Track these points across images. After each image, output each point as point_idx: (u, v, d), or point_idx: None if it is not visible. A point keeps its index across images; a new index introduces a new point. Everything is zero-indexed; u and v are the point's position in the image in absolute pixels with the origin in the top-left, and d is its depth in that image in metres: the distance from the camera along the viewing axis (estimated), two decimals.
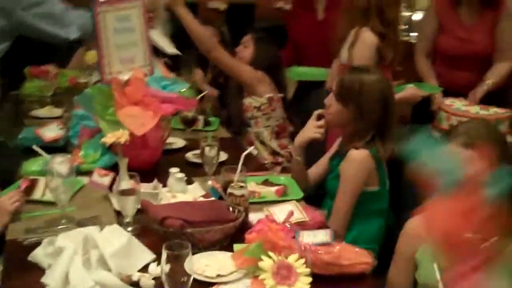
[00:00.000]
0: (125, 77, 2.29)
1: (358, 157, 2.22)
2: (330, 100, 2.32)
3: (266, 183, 2.29)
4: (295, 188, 2.26)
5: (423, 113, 3.04)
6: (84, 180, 2.26)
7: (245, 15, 8.74)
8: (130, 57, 2.34)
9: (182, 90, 2.44)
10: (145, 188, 2.06)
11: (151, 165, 2.41)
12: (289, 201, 2.04)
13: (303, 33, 3.47)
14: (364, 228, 2.27)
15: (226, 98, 3.36)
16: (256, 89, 3.03)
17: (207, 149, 2.27)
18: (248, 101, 3.10)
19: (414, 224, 1.75)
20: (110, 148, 2.35)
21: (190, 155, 2.60)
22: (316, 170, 2.52)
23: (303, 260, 1.49)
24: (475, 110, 2.84)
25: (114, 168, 2.27)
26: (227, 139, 2.69)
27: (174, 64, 3.26)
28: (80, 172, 2.28)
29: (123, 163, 2.09)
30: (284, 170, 3.06)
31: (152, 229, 1.83)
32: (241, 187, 1.93)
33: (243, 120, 3.12)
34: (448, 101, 2.95)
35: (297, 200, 2.13)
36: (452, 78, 3.15)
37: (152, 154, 2.40)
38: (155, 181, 2.14)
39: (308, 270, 1.48)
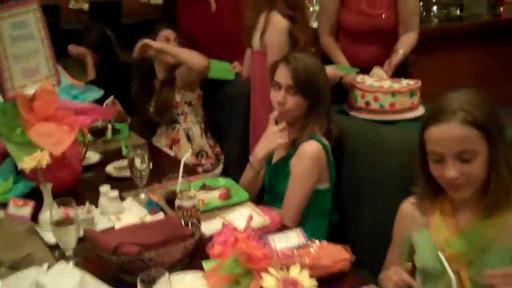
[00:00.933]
0: (30, 91, 2.02)
1: (312, 151, 2.10)
2: (283, 96, 2.14)
3: (205, 187, 2.13)
4: (237, 189, 2.13)
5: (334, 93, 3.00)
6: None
7: (110, 12, 8.41)
8: (33, 68, 2.07)
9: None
10: (76, 213, 1.82)
11: (71, 186, 2.16)
12: (242, 204, 1.90)
13: (199, 26, 3.33)
14: (311, 229, 2.13)
15: (136, 100, 3.13)
16: (195, 84, 2.95)
17: (137, 160, 2.06)
18: (179, 96, 2.95)
19: (408, 205, 1.68)
20: (22, 174, 2.08)
21: (112, 169, 2.37)
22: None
23: (307, 272, 1.36)
24: (388, 84, 2.84)
25: (30, 195, 2.02)
26: (144, 145, 2.45)
27: None
28: None
29: (47, 189, 1.86)
30: (206, 172, 2.93)
31: (98, 259, 1.62)
32: (190, 197, 1.77)
33: (170, 117, 2.95)
34: (359, 78, 2.93)
35: (243, 202, 2.01)
36: (357, 54, 3.13)
37: (71, 173, 2.16)
38: (87, 203, 1.91)
39: (314, 282, 1.35)
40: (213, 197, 2.03)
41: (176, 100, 2.99)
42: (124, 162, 2.40)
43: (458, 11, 5.95)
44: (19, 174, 2.12)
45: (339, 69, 2.85)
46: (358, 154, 2.26)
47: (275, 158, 2.25)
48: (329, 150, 2.14)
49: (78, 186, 2.20)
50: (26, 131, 2.00)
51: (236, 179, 2.96)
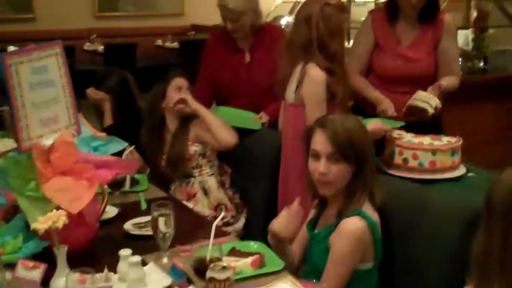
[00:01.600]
0: (48, 141, 1.85)
1: (355, 230, 1.86)
2: (326, 165, 1.91)
3: (234, 252, 1.92)
4: (272, 256, 1.91)
5: None
6: (6, 275, 1.77)
7: (125, 55, 8.37)
8: (52, 117, 1.90)
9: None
10: (93, 281, 1.62)
11: (86, 245, 1.96)
12: (283, 277, 1.69)
13: (228, 75, 3.17)
14: None
15: (148, 152, 2.96)
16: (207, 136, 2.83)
17: (161, 222, 1.86)
18: (193, 149, 2.78)
19: None
20: (35, 232, 1.89)
21: (130, 227, 2.18)
22: (299, 244, 2.13)
23: None
24: (428, 141, 2.65)
25: (41, 257, 1.82)
26: (168, 204, 2.18)
27: None
28: None
29: (61, 252, 1.67)
30: (227, 225, 2.74)
31: None
32: (224, 267, 1.56)
33: (184, 171, 2.78)
34: (395, 133, 2.74)
35: (279, 271, 1.81)
36: (391, 101, 2.97)
37: (88, 232, 1.96)
38: (106, 270, 1.70)
39: None
40: (245, 264, 1.81)
41: (190, 153, 2.81)
42: (143, 218, 2.23)
43: (482, 64, 5.82)
44: (29, 231, 1.93)
45: (384, 122, 2.66)
46: (405, 220, 2.04)
47: (317, 228, 2.03)
48: (376, 227, 1.91)
49: (94, 245, 2.00)
50: (41, 185, 1.82)
51: (260, 234, 2.76)
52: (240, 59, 3.22)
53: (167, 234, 1.88)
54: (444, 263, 1.87)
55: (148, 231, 2.12)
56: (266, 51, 3.17)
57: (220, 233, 2.16)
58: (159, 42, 9.73)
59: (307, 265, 2.04)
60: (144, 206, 2.40)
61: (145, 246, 2.00)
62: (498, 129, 5.55)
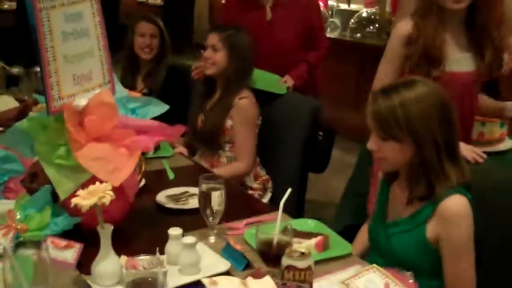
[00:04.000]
0: (82, 102, 1.58)
1: (465, 212, 1.57)
2: (373, 141, 1.63)
3: (289, 232, 1.68)
4: (336, 238, 1.69)
5: None
6: (32, 256, 1.51)
7: (106, 11, 7.99)
8: (86, 73, 1.62)
9: None
10: (146, 265, 1.38)
11: (120, 222, 1.71)
12: (353, 261, 1.49)
13: (250, 33, 2.90)
14: None
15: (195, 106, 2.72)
16: None
17: (213, 195, 1.63)
18: (230, 123, 2.52)
19: None
20: (62, 205, 1.63)
21: (164, 199, 1.94)
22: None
23: None
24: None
25: (71, 234, 1.57)
26: (219, 177, 1.77)
27: None
28: (21, 244, 1.54)
29: (106, 233, 1.43)
30: None
31: None
32: (303, 254, 1.34)
33: (216, 141, 2.53)
34: None
35: (347, 255, 1.60)
36: None
37: (123, 205, 1.71)
38: (157, 253, 1.46)
39: None
40: (308, 246, 1.58)
41: (226, 126, 2.56)
42: (177, 190, 2.01)
43: None
44: (56, 204, 1.67)
45: None
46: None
47: (394, 214, 1.74)
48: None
49: (127, 221, 1.76)
50: (74, 153, 1.56)
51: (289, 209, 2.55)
52: (260, 16, 2.96)
53: (218, 211, 1.65)
54: None
55: (185, 205, 1.90)
56: (289, 9, 2.92)
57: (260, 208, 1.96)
58: None
59: (376, 256, 1.74)
60: (171, 175, 2.15)
61: (184, 222, 1.77)
62: None
